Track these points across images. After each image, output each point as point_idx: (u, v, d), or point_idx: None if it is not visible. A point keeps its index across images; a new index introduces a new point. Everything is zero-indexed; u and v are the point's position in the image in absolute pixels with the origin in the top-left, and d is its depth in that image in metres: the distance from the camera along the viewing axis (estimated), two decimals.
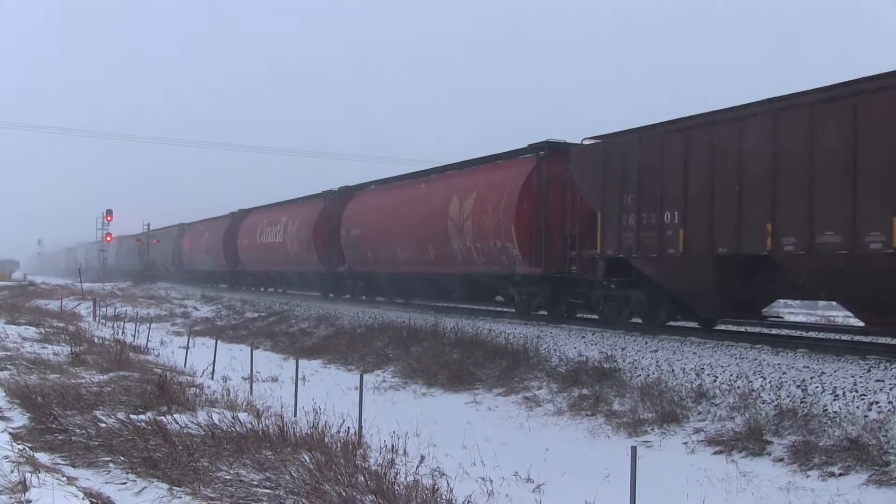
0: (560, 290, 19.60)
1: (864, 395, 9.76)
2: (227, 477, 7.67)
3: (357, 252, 29.24)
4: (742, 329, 17.47)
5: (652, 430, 10.66)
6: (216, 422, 9.49)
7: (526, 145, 20.59)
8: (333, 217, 31.69)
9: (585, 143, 18.09)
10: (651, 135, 15.99)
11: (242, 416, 10.02)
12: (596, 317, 18.92)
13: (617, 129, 17.59)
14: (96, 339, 20.16)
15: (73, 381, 12.84)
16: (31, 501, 6.39)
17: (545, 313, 20.43)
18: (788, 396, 10.28)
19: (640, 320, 17.40)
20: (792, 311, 32.91)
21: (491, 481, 8.49)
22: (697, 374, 11.94)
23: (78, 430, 9.43)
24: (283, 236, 35.99)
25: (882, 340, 15.12)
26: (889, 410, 9.17)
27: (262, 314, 30.36)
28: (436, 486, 7.59)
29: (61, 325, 24.08)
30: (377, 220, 27.64)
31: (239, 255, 43.38)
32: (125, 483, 7.77)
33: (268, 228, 38.50)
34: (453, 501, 7.35)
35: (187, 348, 19.50)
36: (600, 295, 18.18)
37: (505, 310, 23.48)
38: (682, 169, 14.94)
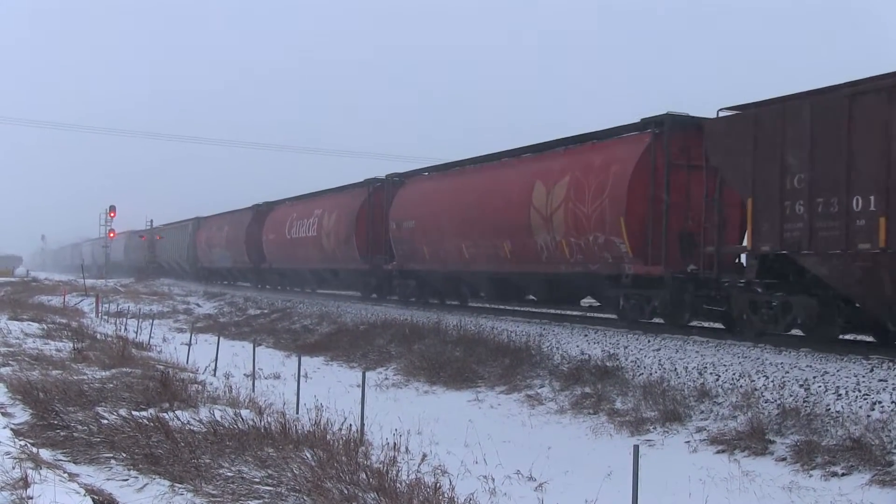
0: (683, 295, 15.92)
1: (867, 394, 9.73)
2: (228, 474, 7.67)
3: (409, 248, 25.30)
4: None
5: (654, 428, 10.65)
6: (218, 419, 9.49)
7: (639, 119, 16.95)
8: (378, 208, 28.08)
9: (722, 115, 14.75)
10: (829, 100, 12.71)
11: (244, 413, 10.03)
12: (721, 325, 16.03)
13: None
14: (99, 336, 20.18)
15: (76, 378, 12.85)
16: (32, 498, 6.38)
17: (660, 321, 16.85)
18: (791, 396, 10.26)
19: (801, 332, 14.10)
20: None
21: (493, 479, 8.49)
22: (700, 373, 11.92)
23: (80, 427, 9.43)
24: (318, 230, 32.14)
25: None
26: (892, 410, 9.15)
27: (265, 311, 30.38)
28: (438, 484, 7.59)
29: (64, 321, 24.11)
30: (436, 212, 23.64)
31: (264, 252, 39.51)
32: (127, 479, 7.77)
33: (298, 222, 34.66)
34: (455, 499, 7.33)
35: (190, 345, 19.50)
36: (745, 301, 14.38)
37: (600, 316, 20.07)
38: (885, 138, 11.58)
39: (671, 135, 15.92)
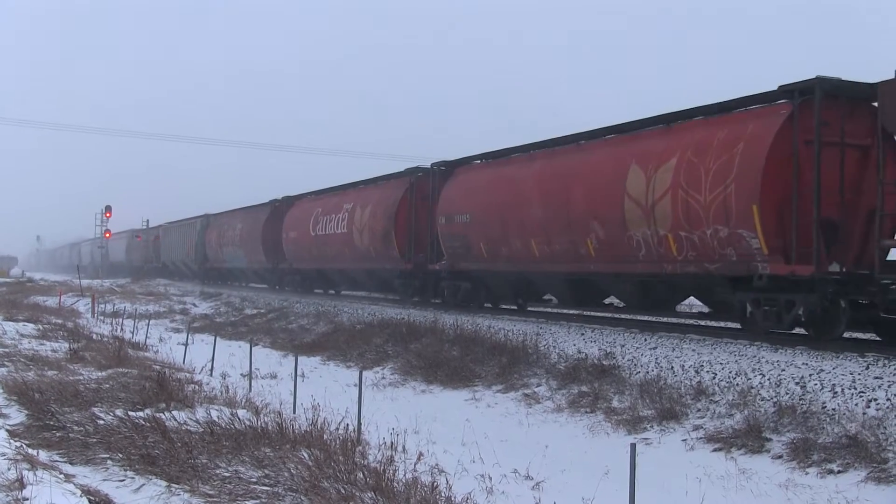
0: (838, 300, 13.19)
1: (863, 392, 9.75)
2: (225, 474, 7.66)
3: (461, 245, 22.11)
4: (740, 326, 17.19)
5: (651, 427, 10.66)
6: (215, 419, 9.48)
7: (776, 87, 13.84)
8: (422, 201, 24.84)
9: None
10: None
11: (241, 412, 10.01)
12: (876, 337, 13.84)
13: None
14: (95, 336, 20.13)
15: (71, 378, 12.82)
16: (28, 499, 6.37)
17: (803, 331, 14.14)
18: (787, 393, 10.28)
19: None
20: None
21: (490, 478, 8.49)
22: (696, 372, 11.93)
23: (76, 427, 9.42)
24: (349, 226, 28.84)
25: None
26: (887, 408, 9.17)
27: (262, 311, 30.35)
28: (435, 483, 7.59)
29: (59, 321, 24.06)
30: (496, 204, 20.47)
31: (284, 251, 36.06)
32: (123, 480, 7.76)
33: (325, 218, 31.30)
34: (452, 498, 7.34)
35: (186, 345, 19.47)
36: None
37: (723, 325, 16.88)
38: None
39: (824, 103, 13.06)
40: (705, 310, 17.91)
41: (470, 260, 22.09)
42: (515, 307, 22.79)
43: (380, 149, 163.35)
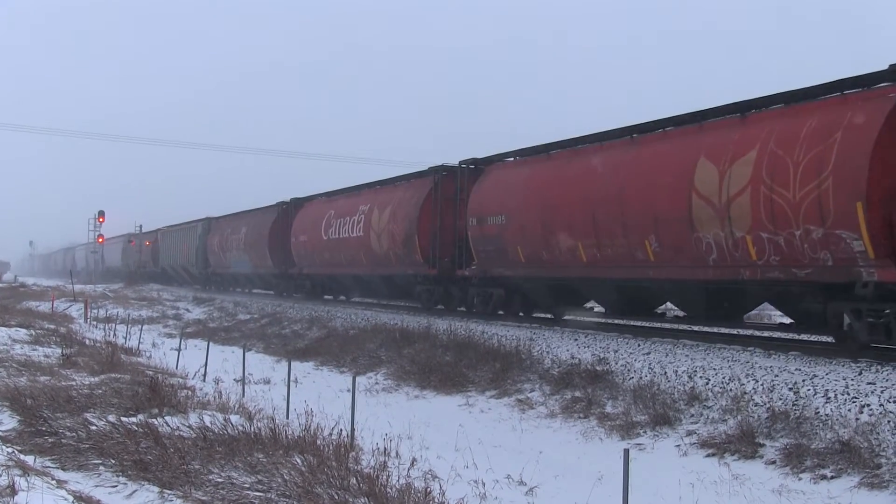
0: None
1: (856, 397, 9.77)
2: (218, 480, 7.65)
3: (495, 249, 20.50)
4: (735, 332, 17.18)
5: (644, 432, 10.67)
6: (208, 424, 9.46)
7: (886, 67, 12.16)
8: (448, 202, 23.14)
9: None
10: None
11: (234, 418, 10.00)
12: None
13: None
14: (87, 341, 20.08)
15: (64, 384, 12.78)
16: None
17: None
18: (781, 399, 10.30)
19: None
20: None
21: (483, 484, 8.48)
22: (690, 377, 11.95)
23: (68, 433, 9.38)
24: (365, 230, 27.17)
25: (874, 343, 15.14)
26: (880, 413, 9.19)
27: (255, 316, 30.31)
28: (428, 489, 7.59)
29: (52, 326, 23.98)
30: (537, 204, 18.83)
31: (293, 255, 34.45)
32: (116, 486, 7.73)
33: (338, 220, 29.61)
34: None
35: (179, 350, 19.45)
36: None
37: (793, 338, 15.68)
38: None
39: None
40: (785, 320, 16.20)
41: (505, 265, 20.40)
42: (551, 316, 21.11)
43: (380, 153, 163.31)
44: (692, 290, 16.18)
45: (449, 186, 23.28)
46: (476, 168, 22.55)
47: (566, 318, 20.79)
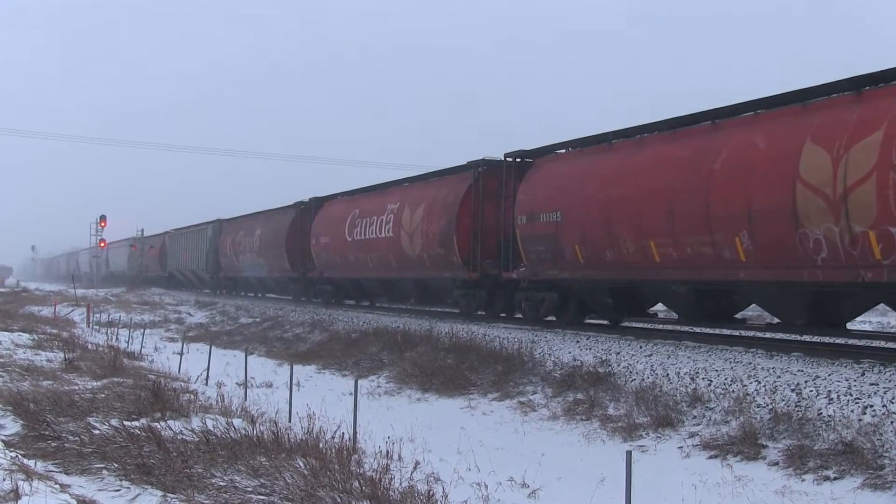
0: None
1: (859, 398, 9.77)
2: (221, 483, 7.65)
3: (548, 249, 18.56)
4: (737, 333, 17.13)
5: (647, 434, 10.66)
6: (210, 428, 9.47)
7: None
8: (491, 199, 21.21)
9: None
10: None
11: (237, 422, 10.01)
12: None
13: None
14: (90, 346, 20.10)
15: (67, 388, 12.80)
16: None
17: None
18: (783, 400, 10.29)
19: None
20: None
21: (486, 486, 8.48)
22: (692, 379, 11.94)
23: (71, 437, 9.39)
24: (396, 230, 25.04)
25: (875, 343, 15.13)
26: (883, 414, 9.18)
27: (257, 319, 30.32)
28: (431, 492, 7.59)
29: (54, 331, 24.01)
30: (597, 199, 17.05)
31: (313, 258, 32.10)
32: (119, 490, 7.74)
33: (364, 220, 27.40)
34: None
35: (181, 354, 19.46)
36: None
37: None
38: None
39: None
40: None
41: (559, 266, 18.45)
42: (607, 322, 19.19)
43: (380, 157, 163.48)
44: (792, 294, 14.31)
45: (490, 182, 21.26)
46: (522, 162, 20.47)
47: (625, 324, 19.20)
